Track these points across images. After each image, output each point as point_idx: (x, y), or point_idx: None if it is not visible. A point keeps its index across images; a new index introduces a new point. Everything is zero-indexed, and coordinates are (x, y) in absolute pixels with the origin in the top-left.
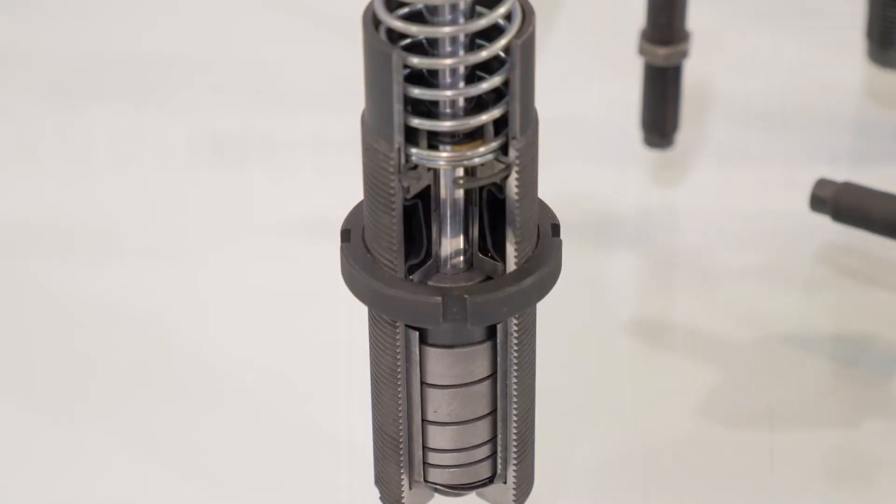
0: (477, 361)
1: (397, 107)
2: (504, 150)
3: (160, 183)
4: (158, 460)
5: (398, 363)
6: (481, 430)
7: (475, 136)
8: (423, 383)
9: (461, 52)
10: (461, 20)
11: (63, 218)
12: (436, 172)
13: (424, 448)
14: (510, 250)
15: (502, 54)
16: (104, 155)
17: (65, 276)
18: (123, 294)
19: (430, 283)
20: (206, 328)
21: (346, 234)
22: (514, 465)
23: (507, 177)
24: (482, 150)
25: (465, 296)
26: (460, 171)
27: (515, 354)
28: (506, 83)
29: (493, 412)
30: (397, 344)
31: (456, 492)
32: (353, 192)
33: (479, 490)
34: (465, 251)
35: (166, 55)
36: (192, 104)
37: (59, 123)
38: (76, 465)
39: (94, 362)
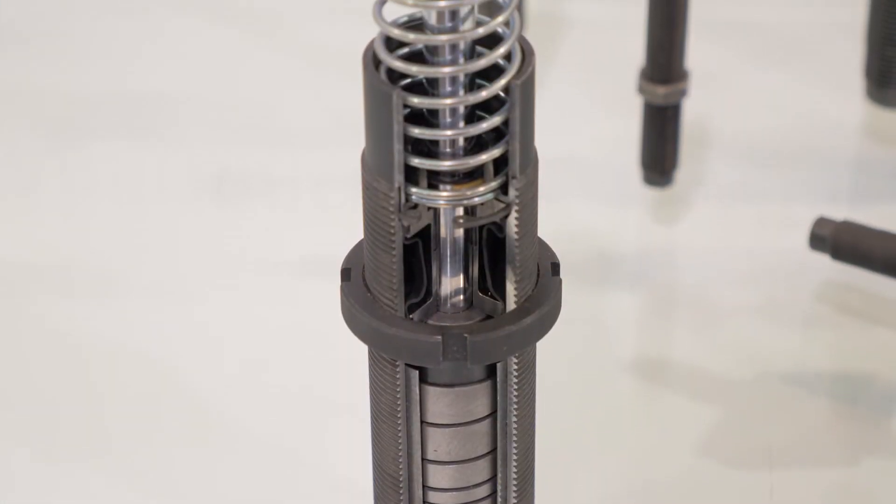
0: (477, 400)
1: (397, 146)
2: (504, 189)
3: (160, 220)
4: (159, 497)
5: (398, 402)
6: (481, 469)
7: (475, 175)
8: (422, 422)
9: (461, 92)
10: (461, 60)
11: (63, 256)
12: (436, 212)
13: (424, 487)
14: (510, 289)
15: (502, 94)
16: (104, 192)
17: (65, 313)
18: (123, 331)
19: (429, 322)
20: (205, 365)
21: (346, 273)
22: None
23: (506, 216)
24: (482, 189)
25: (465, 335)
26: (460, 211)
27: (515, 393)
28: (506, 123)
29: (493, 451)
30: (397, 383)
31: None
32: (353, 230)
33: None
34: (464, 290)
35: (167, 93)
36: (193, 141)
37: (58, 161)
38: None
39: (95, 399)
